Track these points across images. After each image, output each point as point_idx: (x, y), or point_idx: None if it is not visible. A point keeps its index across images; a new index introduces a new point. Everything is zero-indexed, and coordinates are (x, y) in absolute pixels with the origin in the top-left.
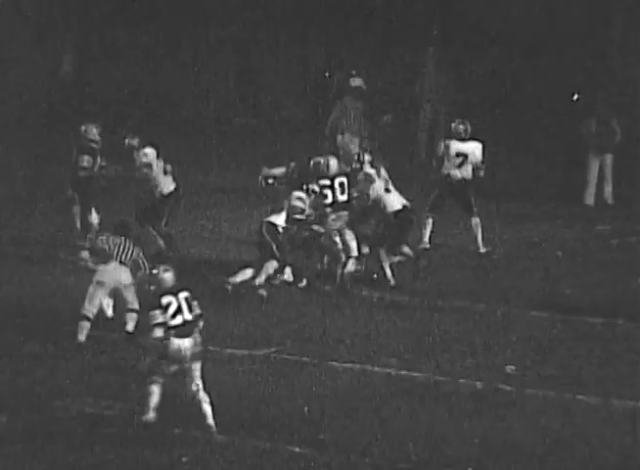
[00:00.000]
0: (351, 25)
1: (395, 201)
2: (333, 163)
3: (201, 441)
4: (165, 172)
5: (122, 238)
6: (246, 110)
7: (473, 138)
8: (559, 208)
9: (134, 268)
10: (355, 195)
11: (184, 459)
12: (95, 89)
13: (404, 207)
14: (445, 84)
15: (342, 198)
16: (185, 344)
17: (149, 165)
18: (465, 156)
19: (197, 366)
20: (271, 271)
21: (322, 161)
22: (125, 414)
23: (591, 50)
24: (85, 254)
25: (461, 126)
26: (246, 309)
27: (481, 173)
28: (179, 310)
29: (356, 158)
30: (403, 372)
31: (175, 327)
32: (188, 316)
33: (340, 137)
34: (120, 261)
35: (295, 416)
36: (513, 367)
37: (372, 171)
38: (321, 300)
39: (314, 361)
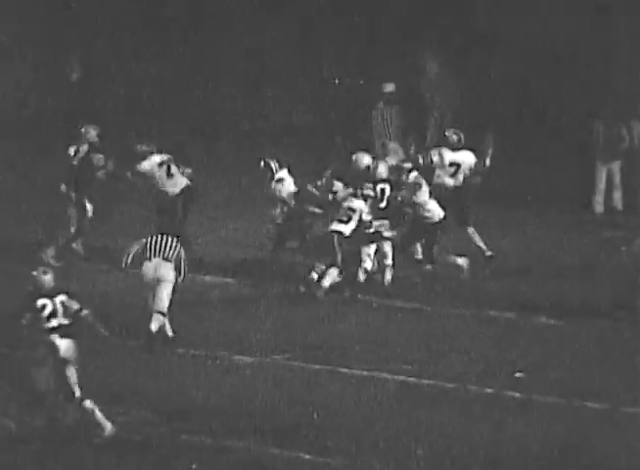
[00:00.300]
0: (361, 32)
1: (439, 209)
2: (382, 168)
3: (210, 447)
4: (170, 175)
5: (167, 236)
6: (254, 114)
7: (466, 147)
8: (567, 215)
9: (177, 267)
10: (400, 199)
11: (194, 466)
12: (104, 94)
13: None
14: (453, 91)
15: (381, 205)
16: (63, 345)
17: (151, 176)
18: (458, 165)
19: (73, 371)
20: (336, 278)
21: (372, 164)
22: (136, 421)
23: (599, 56)
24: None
25: (454, 136)
26: (256, 315)
27: (478, 179)
28: (54, 313)
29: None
30: (412, 379)
31: (53, 329)
32: (63, 320)
33: (387, 143)
34: (164, 257)
35: (303, 423)
36: (522, 374)
37: (420, 178)
38: (334, 307)
39: (323, 368)
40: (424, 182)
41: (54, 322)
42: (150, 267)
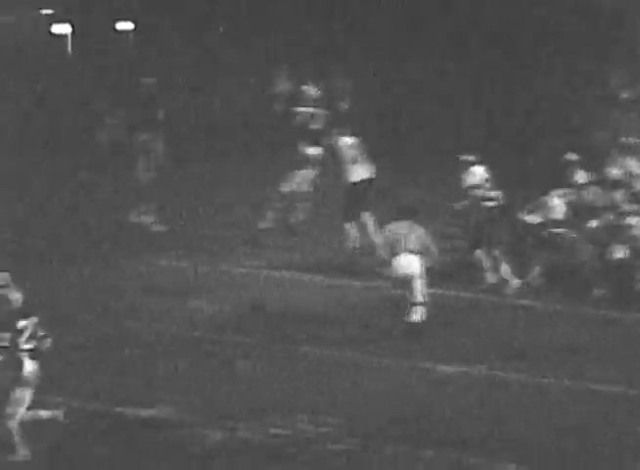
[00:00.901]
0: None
1: None
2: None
3: (409, 456)
4: (355, 162)
5: (408, 223)
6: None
7: None
8: None
9: (424, 254)
10: None
11: None
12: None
13: None
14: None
15: None
16: (34, 367)
17: (339, 155)
18: None
19: (28, 394)
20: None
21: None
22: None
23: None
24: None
25: None
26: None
27: None
28: (33, 336)
29: None
30: (616, 388)
31: (28, 351)
32: (36, 342)
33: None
34: (408, 250)
35: (502, 432)
36: None
37: None
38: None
39: (521, 377)
40: None
41: (30, 344)
42: (398, 265)
